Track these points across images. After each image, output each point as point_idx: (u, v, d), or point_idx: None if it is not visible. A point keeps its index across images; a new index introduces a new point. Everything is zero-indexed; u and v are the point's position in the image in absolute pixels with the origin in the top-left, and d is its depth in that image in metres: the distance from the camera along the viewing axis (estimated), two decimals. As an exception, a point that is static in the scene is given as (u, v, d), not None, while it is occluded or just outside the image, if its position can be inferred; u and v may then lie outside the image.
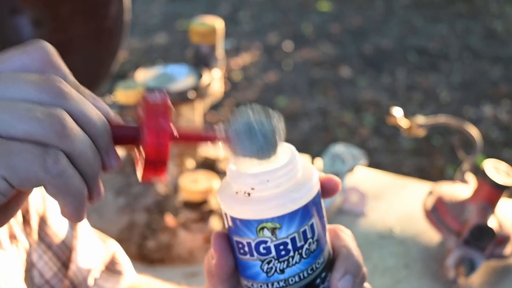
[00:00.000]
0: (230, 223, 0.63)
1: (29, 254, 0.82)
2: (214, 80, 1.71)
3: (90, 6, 1.70)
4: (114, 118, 0.60)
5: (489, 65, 4.03)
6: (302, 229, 0.62)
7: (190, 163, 1.70)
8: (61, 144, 0.53)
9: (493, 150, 3.29)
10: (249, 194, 0.62)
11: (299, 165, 0.63)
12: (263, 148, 0.61)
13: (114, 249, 0.97)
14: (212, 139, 0.62)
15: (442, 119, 1.56)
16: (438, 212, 1.39)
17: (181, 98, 1.63)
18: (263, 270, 0.63)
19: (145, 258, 1.50)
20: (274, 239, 0.61)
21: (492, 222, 1.32)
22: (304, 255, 0.63)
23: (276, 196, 0.61)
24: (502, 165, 1.38)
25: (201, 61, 1.73)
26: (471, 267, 1.32)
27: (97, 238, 0.95)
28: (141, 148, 0.60)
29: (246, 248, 0.62)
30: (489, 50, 4.19)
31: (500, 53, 4.16)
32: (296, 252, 0.62)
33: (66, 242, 0.88)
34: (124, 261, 0.97)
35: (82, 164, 0.55)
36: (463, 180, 1.48)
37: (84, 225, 0.92)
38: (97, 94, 0.60)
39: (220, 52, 1.75)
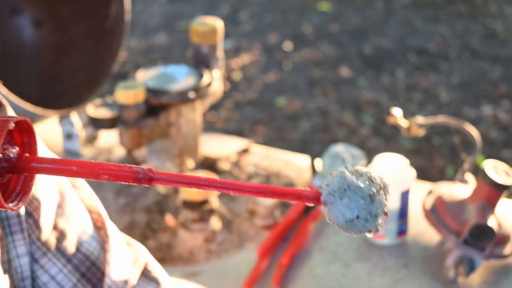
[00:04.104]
0: None
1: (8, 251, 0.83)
2: (214, 80, 1.71)
3: (90, 6, 1.70)
4: None
5: (488, 65, 4.03)
6: None
7: (190, 163, 1.70)
8: None
9: (492, 150, 3.30)
10: None
11: None
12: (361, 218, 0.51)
13: (145, 254, 0.96)
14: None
15: (441, 119, 1.56)
16: (437, 212, 1.39)
17: (181, 98, 1.63)
18: None
19: (145, 258, 1.50)
20: None
21: (491, 222, 1.33)
22: None
23: None
24: (502, 165, 1.38)
25: (201, 61, 1.73)
26: (471, 267, 1.32)
27: (125, 244, 0.95)
28: None
29: None
30: (489, 50, 4.19)
31: (500, 53, 4.16)
32: None
33: (93, 255, 0.89)
34: (156, 266, 0.96)
35: None
36: (463, 180, 1.48)
37: (114, 232, 0.93)
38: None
39: (220, 52, 1.75)
